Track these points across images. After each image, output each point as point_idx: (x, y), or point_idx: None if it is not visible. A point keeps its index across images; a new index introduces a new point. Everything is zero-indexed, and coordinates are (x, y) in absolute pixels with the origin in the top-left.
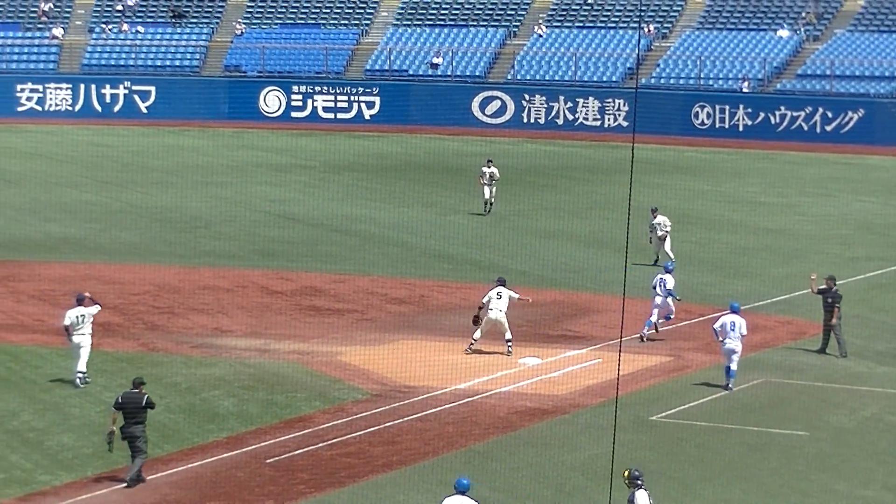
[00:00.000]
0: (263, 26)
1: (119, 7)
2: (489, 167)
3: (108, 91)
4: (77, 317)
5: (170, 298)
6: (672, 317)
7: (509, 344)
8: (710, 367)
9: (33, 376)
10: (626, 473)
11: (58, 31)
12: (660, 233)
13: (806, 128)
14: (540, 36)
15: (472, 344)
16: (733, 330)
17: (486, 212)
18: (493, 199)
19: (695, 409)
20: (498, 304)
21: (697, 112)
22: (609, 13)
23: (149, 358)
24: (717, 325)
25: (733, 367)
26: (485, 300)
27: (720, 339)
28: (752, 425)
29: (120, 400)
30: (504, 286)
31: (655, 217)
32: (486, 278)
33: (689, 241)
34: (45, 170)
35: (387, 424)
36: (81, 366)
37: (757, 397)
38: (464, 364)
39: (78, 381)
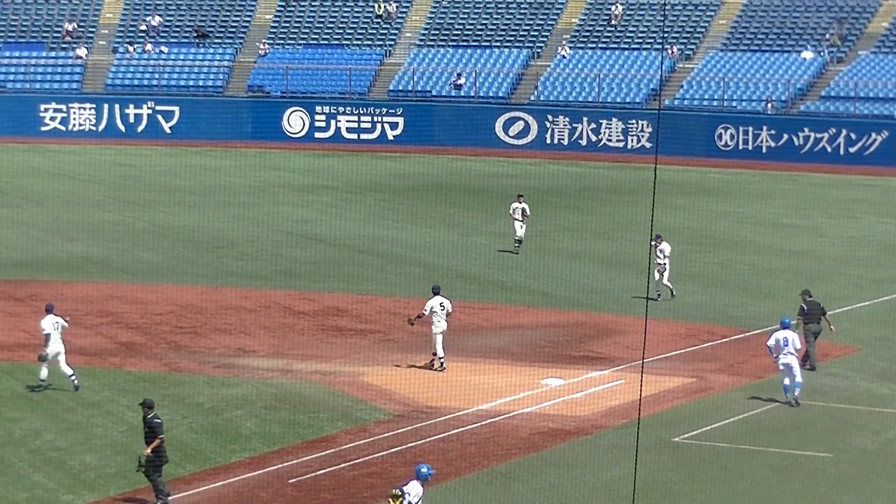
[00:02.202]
0: (287, 46)
1: (143, 27)
2: (520, 203)
3: (131, 111)
4: (53, 324)
5: (193, 318)
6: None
7: (443, 360)
8: (733, 388)
9: (57, 396)
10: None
11: (82, 51)
12: (661, 261)
13: (829, 149)
14: (563, 57)
15: (442, 361)
16: (787, 345)
17: (515, 251)
18: (521, 237)
19: (717, 431)
20: (442, 315)
21: (721, 133)
22: (633, 35)
23: (172, 378)
24: (770, 342)
25: (798, 378)
26: (427, 311)
27: (775, 355)
28: (775, 447)
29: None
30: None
31: (660, 244)
32: (509, 300)
33: (713, 262)
34: (69, 189)
35: (409, 445)
36: (67, 369)
37: (780, 419)
38: (486, 385)
39: (75, 381)
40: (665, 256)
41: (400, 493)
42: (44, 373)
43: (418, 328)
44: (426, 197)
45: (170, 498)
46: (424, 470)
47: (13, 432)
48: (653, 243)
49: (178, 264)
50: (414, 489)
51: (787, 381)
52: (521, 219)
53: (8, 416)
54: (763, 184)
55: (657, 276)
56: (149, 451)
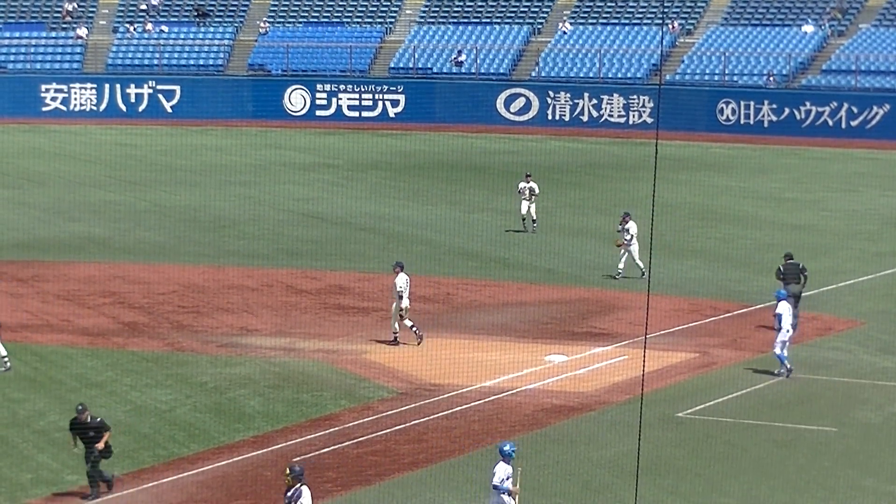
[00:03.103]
0: (288, 25)
1: (143, 6)
2: (528, 182)
3: (132, 91)
4: None
5: (196, 298)
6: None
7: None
8: (737, 363)
9: (60, 376)
10: (287, 471)
11: (82, 31)
12: (627, 238)
13: (831, 123)
14: (564, 33)
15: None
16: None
17: (525, 228)
18: (535, 216)
19: (721, 406)
20: (407, 290)
21: (722, 108)
22: (633, 10)
23: (175, 357)
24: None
25: (778, 351)
26: (400, 288)
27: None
28: (779, 422)
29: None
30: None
31: (627, 223)
32: (512, 276)
33: (715, 237)
34: (70, 170)
35: (413, 422)
36: (2, 349)
37: (783, 394)
38: (490, 362)
39: (7, 363)
40: (631, 235)
41: (290, 471)
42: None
43: (422, 306)
44: (428, 174)
45: (176, 477)
46: (507, 448)
47: (17, 413)
48: (620, 227)
49: (180, 244)
50: (501, 470)
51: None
52: (528, 198)
53: (12, 398)
54: (765, 158)
55: (623, 254)
56: (102, 444)
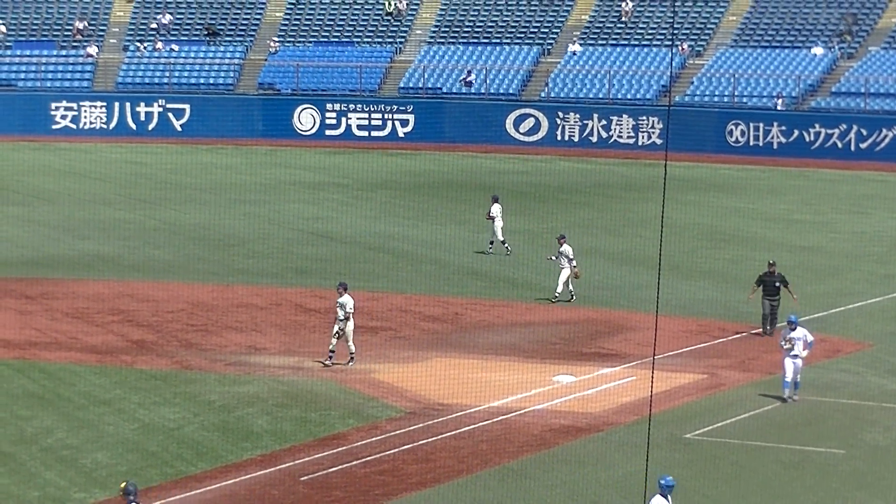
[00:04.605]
0: (298, 44)
1: (153, 25)
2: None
3: (142, 109)
4: None
5: (204, 316)
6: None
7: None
8: (745, 385)
9: (68, 394)
10: (123, 485)
11: (92, 50)
12: (562, 263)
13: (840, 145)
14: (574, 54)
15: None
16: (793, 344)
17: (496, 251)
18: (502, 237)
19: (729, 427)
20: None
21: (732, 130)
22: (643, 31)
23: (183, 375)
24: (781, 341)
25: (788, 377)
26: (351, 308)
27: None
28: (787, 443)
29: None
30: None
31: (562, 246)
32: (520, 296)
33: (724, 258)
34: (80, 188)
35: (421, 442)
36: None
37: (791, 415)
38: (498, 382)
39: None
40: (569, 258)
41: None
42: None
43: (430, 325)
44: (437, 194)
45: (184, 496)
46: (663, 482)
47: (25, 430)
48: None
49: (189, 262)
50: None
51: (787, 378)
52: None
53: (20, 415)
54: (774, 180)
55: (562, 276)
56: None
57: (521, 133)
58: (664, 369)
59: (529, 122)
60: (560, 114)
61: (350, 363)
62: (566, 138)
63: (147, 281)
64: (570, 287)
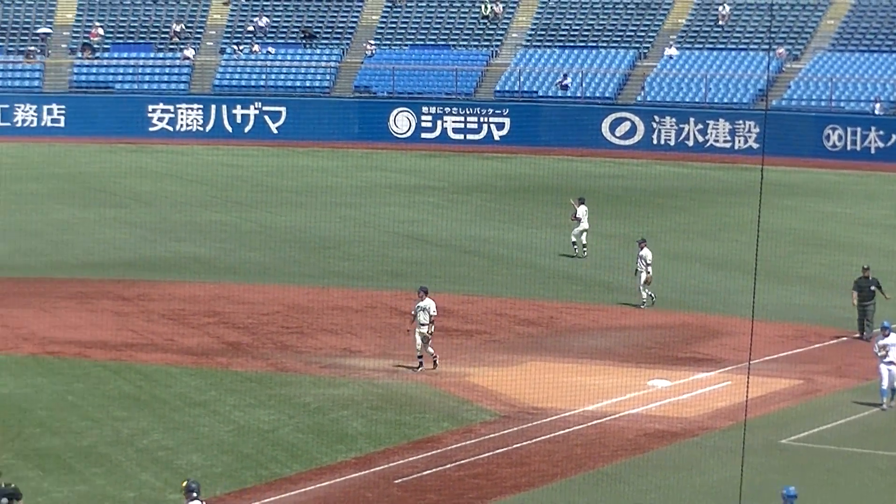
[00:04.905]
0: (394, 47)
1: (250, 28)
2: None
3: (238, 111)
4: None
5: (299, 318)
6: None
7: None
8: (841, 390)
9: (164, 395)
10: (185, 484)
11: (189, 52)
12: (640, 267)
13: None
14: (670, 58)
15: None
16: (887, 350)
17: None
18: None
19: (825, 433)
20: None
21: (829, 134)
22: (740, 35)
23: (278, 378)
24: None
25: (885, 384)
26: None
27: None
28: (884, 450)
29: None
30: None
31: (642, 249)
32: (614, 300)
33: (821, 263)
34: (176, 190)
35: (515, 446)
36: None
37: (888, 422)
38: (592, 386)
39: None
40: (647, 263)
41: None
42: None
43: (525, 329)
44: (532, 198)
45: (278, 497)
46: (785, 493)
47: (121, 431)
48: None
49: (284, 264)
50: None
51: (884, 386)
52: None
53: (116, 416)
54: (871, 185)
55: (638, 281)
56: None
57: (616, 137)
58: (760, 374)
59: (625, 126)
60: (656, 118)
61: (435, 367)
62: (662, 142)
63: (243, 283)
64: (649, 291)
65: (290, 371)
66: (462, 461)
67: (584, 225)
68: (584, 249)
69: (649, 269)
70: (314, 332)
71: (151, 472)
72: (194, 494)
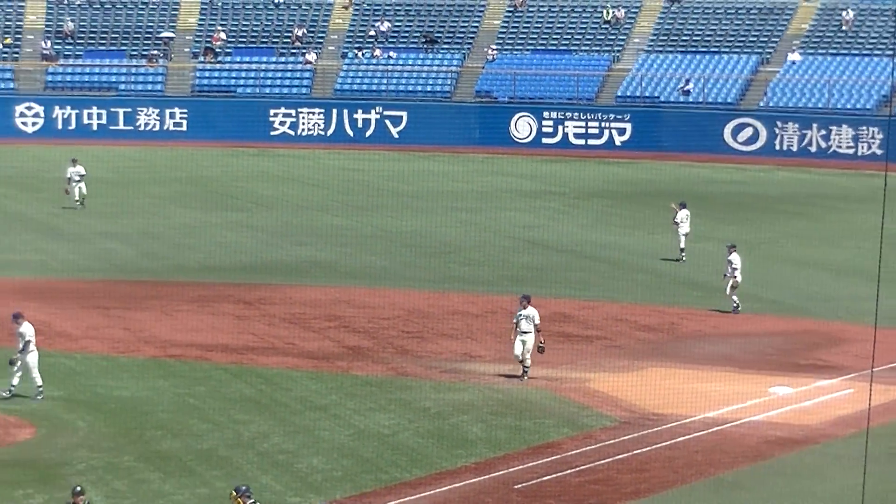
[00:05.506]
0: (515, 52)
1: (372, 32)
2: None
3: (360, 116)
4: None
5: (419, 323)
6: None
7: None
8: None
9: (284, 399)
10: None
11: (311, 57)
12: (727, 272)
13: None
14: (793, 63)
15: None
16: None
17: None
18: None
19: None
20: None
21: None
22: (864, 40)
23: (398, 382)
24: None
25: None
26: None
27: None
28: None
29: None
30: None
31: (731, 254)
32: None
33: None
34: (297, 194)
35: (635, 452)
36: (40, 380)
37: None
38: (713, 392)
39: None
40: (733, 268)
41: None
42: (16, 380)
43: (645, 335)
44: (653, 203)
45: (397, 502)
46: None
47: (242, 434)
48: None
49: (404, 269)
50: None
51: None
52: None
53: (237, 419)
54: None
55: (728, 286)
56: None
57: (738, 142)
58: (883, 382)
59: (748, 132)
60: (779, 123)
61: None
62: (784, 148)
63: (363, 287)
64: (735, 298)
65: (410, 375)
66: (581, 467)
67: (686, 229)
68: (683, 253)
69: (736, 274)
70: (434, 337)
71: (272, 475)
72: (247, 496)
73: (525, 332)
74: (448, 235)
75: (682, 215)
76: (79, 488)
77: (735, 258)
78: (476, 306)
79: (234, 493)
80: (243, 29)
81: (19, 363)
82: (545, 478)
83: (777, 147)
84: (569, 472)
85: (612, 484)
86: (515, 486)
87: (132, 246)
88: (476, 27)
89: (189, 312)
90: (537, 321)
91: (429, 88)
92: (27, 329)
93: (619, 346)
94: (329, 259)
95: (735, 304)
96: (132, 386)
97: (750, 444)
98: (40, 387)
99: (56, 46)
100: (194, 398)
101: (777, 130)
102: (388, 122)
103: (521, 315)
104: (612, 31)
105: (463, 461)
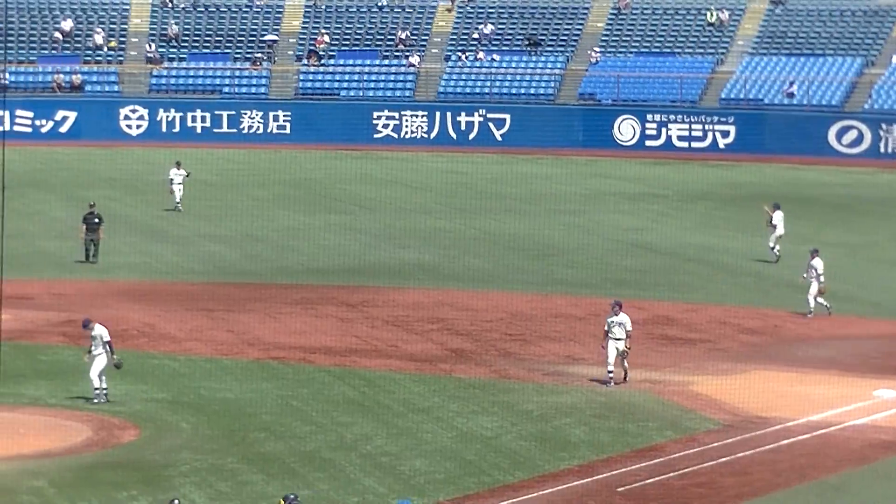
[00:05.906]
0: (619, 54)
1: (475, 35)
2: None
3: (463, 118)
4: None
5: (522, 325)
6: None
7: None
8: None
9: (387, 401)
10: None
11: (414, 59)
12: (811, 277)
13: None
14: None
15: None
16: None
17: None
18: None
19: None
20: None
21: None
22: None
23: (501, 385)
24: None
25: None
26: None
27: None
28: None
29: None
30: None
31: (813, 259)
32: (841, 309)
33: None
34: (401, 196)
35: (738, 455)
36: (97, 382)
37: None
38: (816, 395)
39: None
40: (817, 273)
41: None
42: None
43: (749, 338)
44: (756, 206)
45: None
46: None
47: (345, 437)
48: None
49: (507, 272)
50: None
51: None
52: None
53: (340, 421)
54: None
55: (811, 291)
56: None
57: (843, 145)
58: None
59: (852, 135)
60: (884, 126)
61: (610, 384)
62: (889, 151)
63: (465, 290)
64: (823, 301)
65: (513, 378)
66: (685, 470)
67: (780, 231)
68: (777, 254)
69: (822, 278)
70: (537, 340)
71: (375, 477)
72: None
73: (618, 339)
74: (551, 238)
75: (777, 217)
76: (176, 502)
77: (818, 263)
78: (579, 309)
79: (283, 502)
80: (347, 32)
81: (119, 363)
82: (648, 481)
83: (882, 150)
84: (672, 475)
85: (714, 487)
86: (618, 490)
87: (236, 248)
88: (580, 29)
89: (292, 315)
90: (629, 327)
91: (532, 91)
92: (101, 331)
93: (723, 349)
94: (432, 262)
95: (821, 308)
96: (236, 388)
97: (854, 448)
98: (97, 389)
99: (160, 49)
100: (297, 400)
101: (882, 133)
102: (491, 124)
103: (613, 321)
104: (716, 34)
105: (565, 464)
